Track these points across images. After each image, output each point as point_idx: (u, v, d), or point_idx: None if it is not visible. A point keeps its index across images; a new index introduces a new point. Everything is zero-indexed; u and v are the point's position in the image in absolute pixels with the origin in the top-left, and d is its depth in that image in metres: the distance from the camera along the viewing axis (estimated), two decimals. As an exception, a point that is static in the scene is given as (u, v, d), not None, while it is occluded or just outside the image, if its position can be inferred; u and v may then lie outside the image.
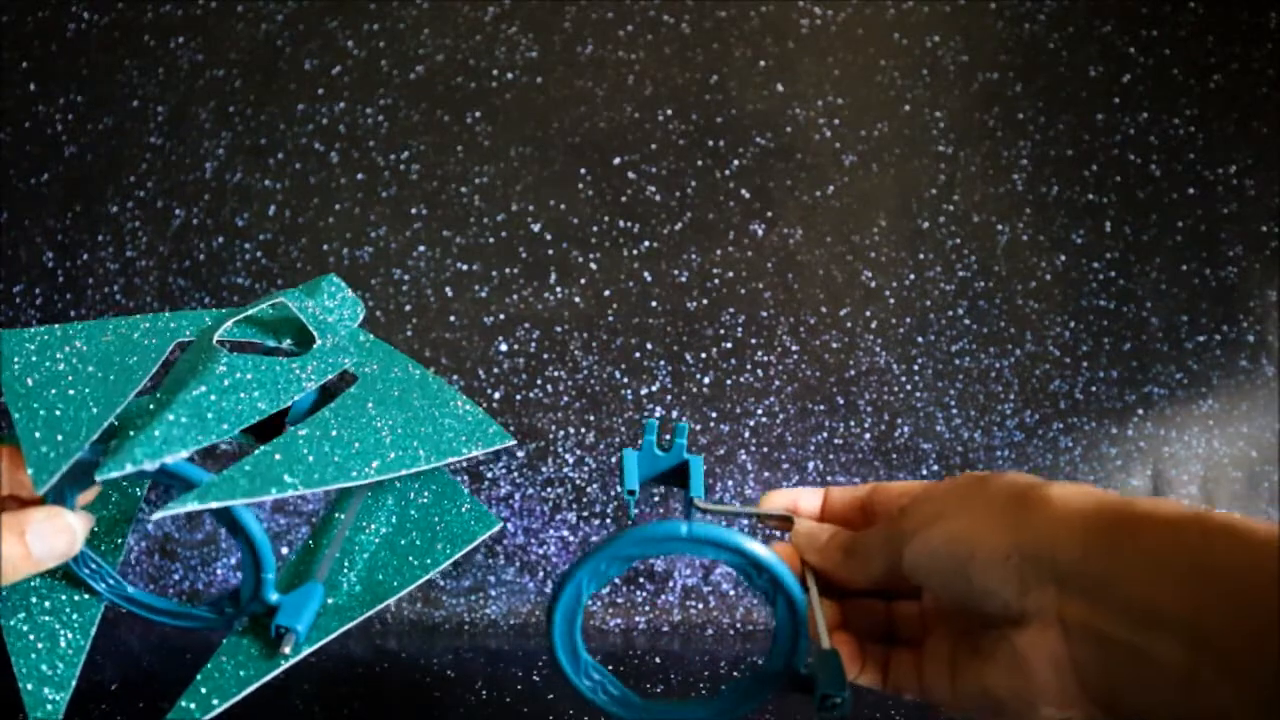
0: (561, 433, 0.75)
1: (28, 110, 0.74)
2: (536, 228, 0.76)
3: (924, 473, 0.77)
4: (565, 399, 0.75)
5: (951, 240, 0.78)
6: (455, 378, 0.75)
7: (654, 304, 0.76)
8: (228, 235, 0.75)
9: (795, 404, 0.76)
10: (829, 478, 0.76)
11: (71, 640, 0.38)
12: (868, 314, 0.77)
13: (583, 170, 0.77)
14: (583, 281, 0.76)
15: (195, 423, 0.35)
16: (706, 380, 0.76)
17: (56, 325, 0.40)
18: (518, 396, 0.75)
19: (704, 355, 0.76)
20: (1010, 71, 0.79)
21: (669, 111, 0.77)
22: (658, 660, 0.70)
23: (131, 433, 0.34)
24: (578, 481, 0.75)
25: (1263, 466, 0.78)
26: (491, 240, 0.76)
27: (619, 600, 0.75)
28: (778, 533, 0.42)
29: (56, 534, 0.34)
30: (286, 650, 0.37)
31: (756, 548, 0.34)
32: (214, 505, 0.33)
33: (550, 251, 0.76)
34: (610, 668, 0.69)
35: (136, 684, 0.64)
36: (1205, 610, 0.26)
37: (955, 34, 0.79)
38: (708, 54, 0.78)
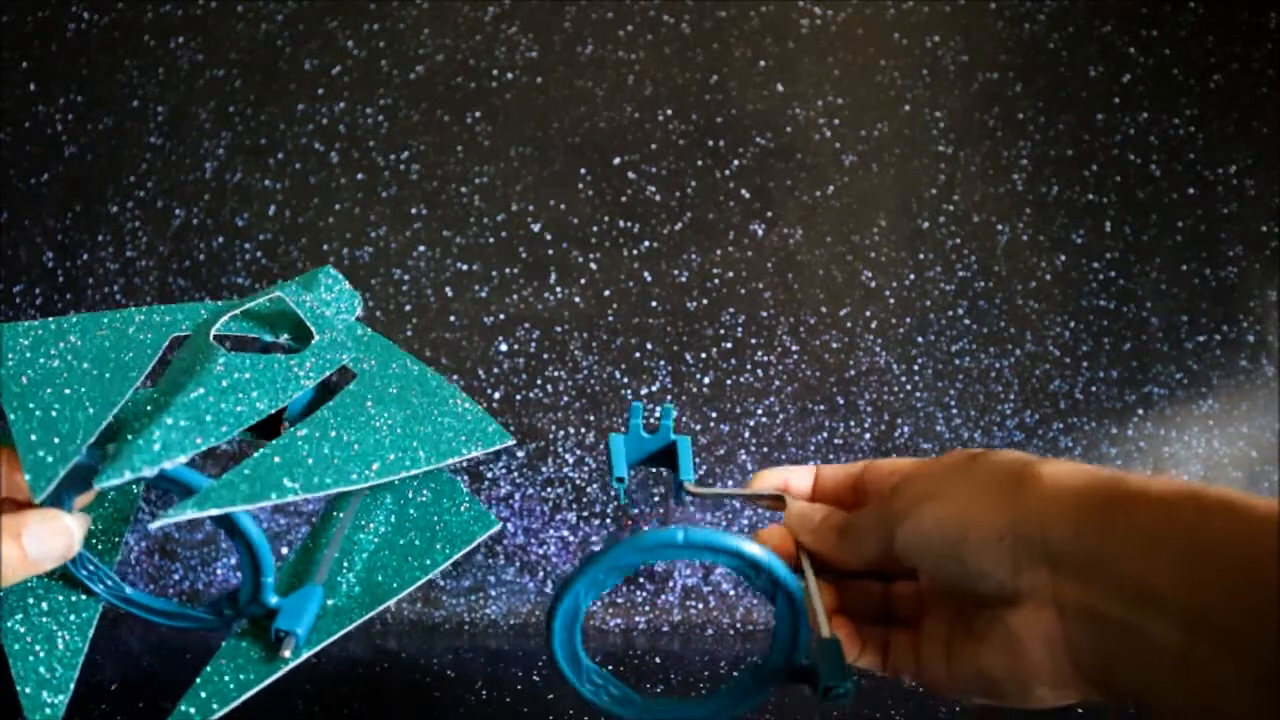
0: (561, 433, 0.75)
1: (28, 110, 0.74)
2: (536, 228, 0.76)
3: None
4: (565, 399, 0.75)
5: (951, 240, 0.78)
6: (455, 378, 0.75)
7: (654, 304, 0.76)
8: (228, 235, 0.75)
9: (795, 404, 0.76)
10: (829, 478, 0.76)
11: (69, 642, 0.38)
12: (868, 314, 0.77)
13: (583, 170, 0.77)
14: (583, 281, 0.76)
15: (194, 426, 0.34)
16: (706, 380, 0.76)
17: (51, 319, 0.39)
18: (518, 396, 0.75)
19: (704, 355, 0.76)
20: (1010, 71, 0.79)
21: (669, 111, 0.77)
22: (658, 660, 0.70)
23: (129, 436, 0.33)
24: (578, 481, 0.75)
25: (1263, 466, 0.78)
26: (491, 240, 0.76)
27: (619, 600, 0.75)
28: (770, 513, 0.41)
29: (54, 536, 0.34)
30: (286, 654, 0.37)
31: (753, 549, 0.34)
32: (214, 512, 0.32)
33: (550, 251, 0.76)
34: (610, 668, 0.70)
35: (136, 684, 0.64)
36: (1201, 587, 0.26)
37: (955, 34, 0.78)
38: (708, 54, 0.78)
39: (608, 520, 0.75)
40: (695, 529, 0.34)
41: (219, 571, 0.73)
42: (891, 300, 0.77)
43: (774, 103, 0.78)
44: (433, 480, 0.46)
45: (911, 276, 0.77)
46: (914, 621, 0.36)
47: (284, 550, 0.73)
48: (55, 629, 0.38)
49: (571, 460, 0.75)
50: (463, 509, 0.45)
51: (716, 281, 0.76)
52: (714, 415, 0.76)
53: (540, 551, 0.75)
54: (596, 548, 0.74)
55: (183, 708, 0.36)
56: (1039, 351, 0.78)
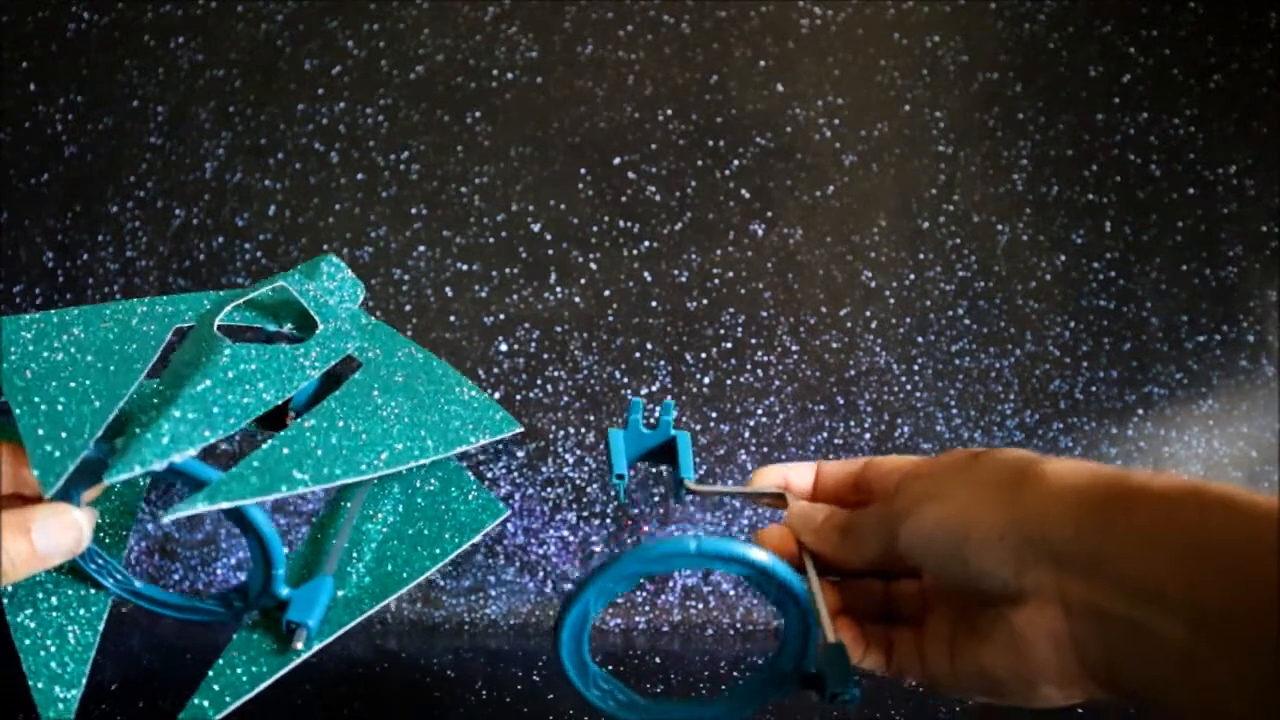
0: (561, 433, 0.75)
1: (28, 110, 0.74)
2: (536, 228, 0.76)
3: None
4: (565, 399, 0.75)
5: (951, 240, 0.78)
6: (455, 378, 0.75)
7: (654, 304, 0.76)
8: (228, 235, 0.75)
9: (795, 404, 0.76)
10: (829, 478, 0.76)
11: (80, 636, 0.38)
12: (868, 314, 0.77)
13: (583, 170, 0.77)
14: (583, 281, 0.76)
15: (201, 419, 0.34)
16: (706, 380, 0.76)
17: (53, 311, 0.39)
18: (518, 396, 0.75)
19: (704, 355, 0.76)
20: (1010, 71, 0.79)
21: (669, 111, 0.77)
22: (658, 660, 0.70)
23: (137, 430, 0.33)
24: (578, 481, 0.75)
25: (1263, 466, 0.78)
26: (491, 240, 0.76)
27: (619, 600, 0.75)
28: (770, 512, 0.41)
29: (62, 530, 0.34)
30: (299, 645, 0.37)
31: (764, 557, 0.34)
32: (225, 505, 0.32)
33: (550, 251, 0.76)
34: (610, 668, 0.70)
35: (136, 684, 0.64)
36: (1203, 585, 0.26)
37: (955, 34, 0.79)
38: (708, 54, 0.78)
39: (607, 520, 0.75)
40: (708, 539, 0.34)
41: (219, 571, 0.73)
42: (891, 300, 0.77)
43: (774, 103, 0.78)
44: (440, 469, 0.46)
45: (911, 276, 0.77)
46: (917, 620, 0.36)
47: (285, 551, 0.73)
48: (65, 623, 0.38)
49: (571, 460, 0.75)
50: (470, 498, 0.44)
51: (716, 281, 0.76)
52: (714, 415, 0.76)
53: (540, 551, 0.75)
54: (598, 549, 0.74)
55: (196, 701, 0.36)
56: (1039, 351, 0.78)
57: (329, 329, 0.42)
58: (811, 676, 0.34)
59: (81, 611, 0.38)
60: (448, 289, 0.75)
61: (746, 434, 0.76)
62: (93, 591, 0.39)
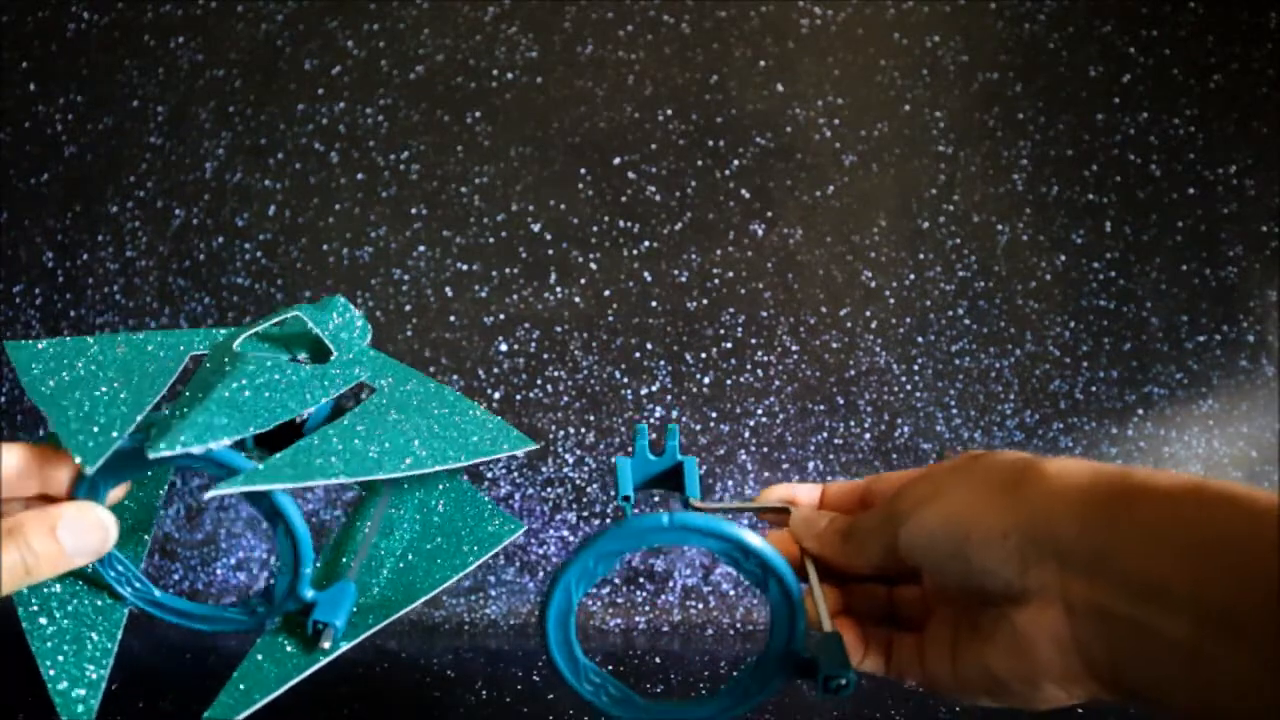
0: (561, 433, 0.75)
1: (28, 110, 0.74)
2: (536, 228, 0.76)
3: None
4: (565, 399, 0.75)
5: (951, 240, 0.78)
6: (455, 378, 0.75)
7: (654, 304, 0.76)
8: (228, 235, 0.75)
9: (795, 404, 0.76)
10: (829, 477, 0.76)
11: (98, 642, 0.38)
12: (868, 314, 0.77)
13: (583, 170, 0.77)
14: (583, 281, 0.76)
15: (234, 414, 0.35)
16: (706, 380, 0.76)
17: (65, 338, 0.40)
18: (518, 396, 0.75)
19: (704, 355, 0.76)
20: (1010, 71, 0.79)
21: (669, 111, 0.77)
22: (658, 660, 0.70)
23: (173, 421, 0.34)
24: (578, 481, 0.75)
25: (1263, 466, 0.78)
26: (491, 240, 0.76)
27: (619, 600, 0.75)
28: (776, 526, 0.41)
29: (89, 529, 0.34)
30: (326, 645, 0.37)
31: (741, 533, 0.34)
32: (262, 487, 0.33)
33: (550, 251, 0.76)
34: (610, 668, 0.70)
35: (136, 684, 0.64)
36: (1207, 582, 0.26)
37: (955, 34, 0.78)
38: (708, 54, 0.78)
39: (607, 520, 0.75)
40: (682, 513, 0.34)
41: (218, 571, 0.73)
42: (891, 300, 0.77)
43: (774, 103, 0.78)
44: (454, 492, 0.46)
45: (911, 276, 0.77)
46: (918, 625, 0.36)
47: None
48: (84, 630, 0.38)
49: (571, 460, 0.75)
50: (486, 515, 0.45)
51: (716, 281, 0.76)
52: (714, 415, 0.76)
53: (540, 551, 0.75)
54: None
55: (223, 699, 0.36)
56: (1039, 351, 0.78)
57: (343, 357, 0.42)
58: (806, 663, 0.34)
59: (99, 620, 0.38)
60: (448, 289, 0.75)
61: (746, 434, 0.76)
62: (110, 602, 0.39)
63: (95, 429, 0.33)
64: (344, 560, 0.42)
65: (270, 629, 0.39)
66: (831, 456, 0.76)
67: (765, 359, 0.76)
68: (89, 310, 0.74)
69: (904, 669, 0.36)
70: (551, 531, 0.75)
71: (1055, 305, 0.78)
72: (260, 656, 0.38)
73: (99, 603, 0.39)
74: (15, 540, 0.32)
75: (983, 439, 0.77)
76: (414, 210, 0.75)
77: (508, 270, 0.75)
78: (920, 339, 0.77)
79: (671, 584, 0.75)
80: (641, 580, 0.75)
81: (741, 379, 0.76)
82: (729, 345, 0.76)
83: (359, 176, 0.75)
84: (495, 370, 0.75)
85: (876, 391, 0.77)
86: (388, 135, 0.76)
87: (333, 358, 0.42)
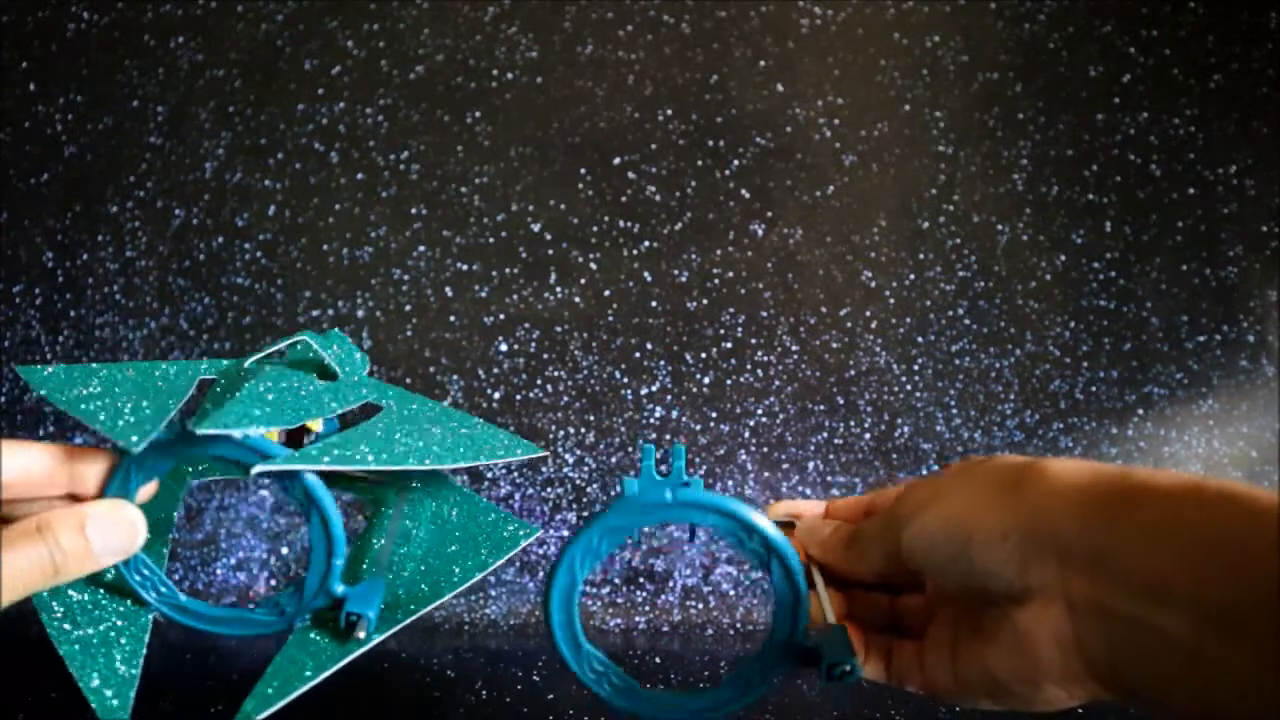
0: (561, 433, 0.75)
1: (28, 110, 0.74)
2: (536, 228, 0.76)
3: (924, 472, 0.77)
4: (565, 399, 0.75)
5: (951, 240, 0.78)
6: (455, 378, 0.75)
7: (654, 304, 0.76)
8: (228, 235, 0.75)
9: (795, 404, 0.76)
10: (829, 478, 0.76)
11: (125, 645, 0.38)
12: (868, 314, 0.77)
13: (583, 170, 0.77)
14: (583, 281, 0.76)
15: (265, 407, 0.36)
16: (706, 380, 0.76)
17: (75, 365, 0.40)
18: (518, 396, 0.75)
19: (704, 355, 0.76)
20: (1010, 71, 0.79)
21: (669, 111, 0.77)
22: (658, 660, 0.70)
23: (210, 410, 0.35)
24: (578, 481, 0.75)
25: (1263, 466, 0.78)
26: (491, 240, 0.76)
27: (619, 600, 0.75)
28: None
29: (118, 527, 0.33)
30: (360, 635, 0.37)
31: (746, 510, 0.34)
32: (300, 468, 0.35)
33: (550, 251, 0.76)
34: (610, 668, 0.69)
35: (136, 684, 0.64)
36: (1207, 581, 0.26)
37: (955, 34, 0.78)
38: (708, 54, 0.78)
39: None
40: (685, 489, 0.34)
41: (219, 571, 0.73)
42: (891, 300, 0.77)
43: (774, 103, 0.78)
44: (467, 504, 0.47)
45: (911, 276, 0.77)
46: (919, 633, 0.36)
47: (284, 550, 0.73)
48: (111, 633, 0.38)
49: (571, 460, 0.75)
50: (501, 521, 0.45)
51: (716, 281, 0.77)
52: (714, 415, 0.76)
53: (540, 551, 0.75)
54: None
55: (260, 689, 0.36)
56: (1039, 351, 0.78)
57: (348, 379, 0.43)
58: (809, 651, 0.34)
59: (125, 625, 0.38)
60: (448, 289, 0.75)
61: (746, 434, 0.76)
62: (135, 607, 0.39)
63: (133, 419, 0.34)
64: (364, 566, 0.42)
65: (300, 627, 0.39)
66: (831, 456, 0.76)
67: (765, 359, 0.76)
68: (89, 310, 0.74)
69: (904, 675, 0.36)
70: (551, 531, 0.75)
71: (1055, 305, 0.78)
72: (294, 651, 0.38)
73: (122, 609, 0.39)
74: (44, 537, 0.31)
75: (983, 439, 0.77)
76: (414, 210, 0.75)
77: (508, 270, 0.75)
78: (920, 339, 0.77)
79: (671, 584, 0.75)
80: (641, 580, 0.75)
81: (741, 379, 0.76)
82: (729, 345, 0.76)
83: (359, 176, 0.75)
84: (495, 370, 0.75)
85: (876, 391, 0.77)
86: (388, 135, 0.76)
87: (338, 379, 0.42)
